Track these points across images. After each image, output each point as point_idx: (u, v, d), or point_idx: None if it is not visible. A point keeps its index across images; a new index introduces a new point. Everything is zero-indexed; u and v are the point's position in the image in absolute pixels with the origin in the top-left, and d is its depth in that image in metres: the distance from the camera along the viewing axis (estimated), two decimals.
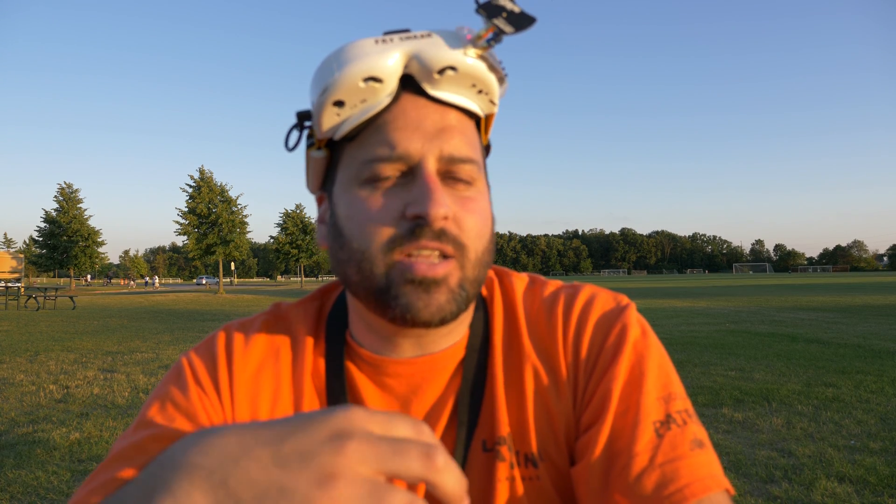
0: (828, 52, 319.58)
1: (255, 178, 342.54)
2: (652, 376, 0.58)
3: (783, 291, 25.48)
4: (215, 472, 0.33)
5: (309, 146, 0.61)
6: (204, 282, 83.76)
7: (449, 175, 0.56)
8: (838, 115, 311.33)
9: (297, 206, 50.52)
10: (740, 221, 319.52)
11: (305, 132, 0.62)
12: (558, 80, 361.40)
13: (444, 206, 0.53)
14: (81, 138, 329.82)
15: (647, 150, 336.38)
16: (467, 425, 0.61)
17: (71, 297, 22.46)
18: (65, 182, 50.97)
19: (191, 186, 39.72)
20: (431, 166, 0.54)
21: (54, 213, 48.90)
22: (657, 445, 0.54)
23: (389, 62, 0.53)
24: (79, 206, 50.58)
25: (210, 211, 39.31)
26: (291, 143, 0.61)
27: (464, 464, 0.60)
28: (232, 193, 47.79)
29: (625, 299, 0.64)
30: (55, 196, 49.87)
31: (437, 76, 0.54)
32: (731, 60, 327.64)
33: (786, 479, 3.19)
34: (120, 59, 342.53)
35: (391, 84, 0.54)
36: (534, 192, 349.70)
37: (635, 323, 0.62)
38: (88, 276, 54.83)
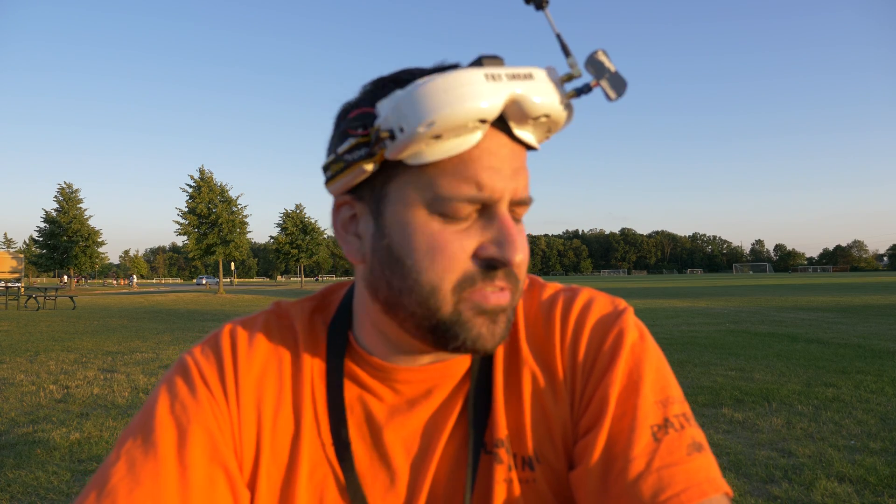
0: (828, 51, 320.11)
1: (255, 178, 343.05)
2: (649, 380, 0.58)
3: (783, 291, 25.48)
4: None
5: (361, 157, 0.54)
6: (204, 282, 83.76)
7: (512, 213, 0.56)
8: (839, 114, 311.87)
9: (297, 206, 50.50)
10: (740, 221, 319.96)
11: (350, 140, 0.55)
12: None
13: (522, 251, 0.54)
14: (81, 138, 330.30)
15: (648, 150, 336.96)
16: (476, 428, 0.61)
17: (71, 297, 22.45)
18: (65, 182, 50.93)
19: (191, 186, 39.72)
20: (505, 208, 0.55)
21: (54, 213, 48.84)
22: (654, 450, 0.54)
23: (499, 106, 0.50)
24: (79, 206, 50.49)
25: (210, 211, 39.29)
26: (342, 149, 0.55)
27: (475, 466, 0.60)
28: (232, 193, 47.67)
29: (622, 303, 0.64)
30: (55, 196, 49.79)
31: (531, 121, 0.53)
32: (731, 59, 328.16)
33: (786, 479, 3.19)
34: (120, 58, 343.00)
35: (490, 123, 0.53)
36: (534, 192, 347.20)
37: (633, 326, 0.62)
38: (65, 277, 55.55)
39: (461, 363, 0.63)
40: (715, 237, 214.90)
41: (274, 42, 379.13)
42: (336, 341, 0.65)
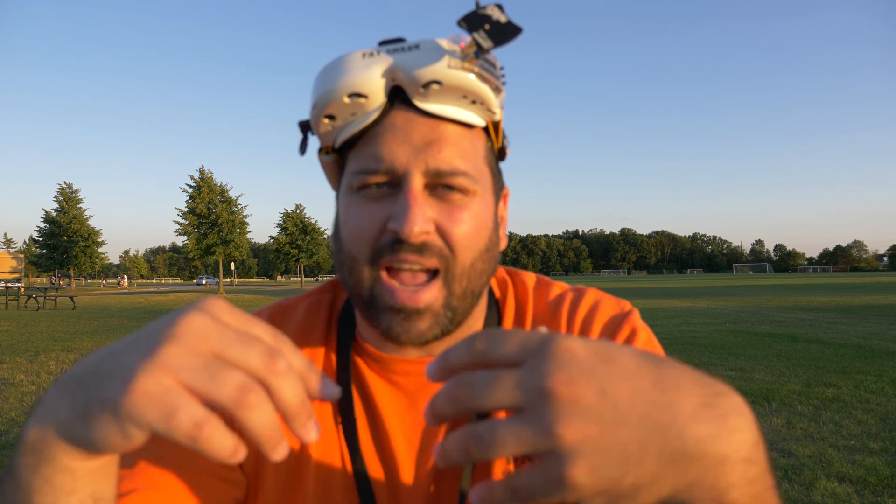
0: (828, 50, 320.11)
1: (255, 178, 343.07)
2: None
3: (783, 291, 25.46)
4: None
5: (320, 150, 0.62)
6: (204, 282, 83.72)
7: (439, 186, 0.56)
8: (839, 114, 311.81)
9: (297, 207, 50.56)
10: (740, 221, 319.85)
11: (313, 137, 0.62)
12: (558, 77, 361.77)
13: (419, 222, 0.53)
14: (81, 138, 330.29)
15: (648, 150, 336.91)
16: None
17: (71, 297, 22.45)
18: (65, 182, 51.18)
19: (191, 186, 39.79)
20: (416, 180, 0.54)
21: (54, 214, 48.99)
22: None
23: (372, 78, 0.53)
24: (79, 206, 50.66)
25: (210, 211, 39.36)
26: (303, 147, 0.62)
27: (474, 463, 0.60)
28: (232, 193, 47.62)
29: (628, 305, 0.66)
30: (55, 196, 50.05)
31: (422, 90, 0.53)
32: (730, 58, 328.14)
33: (786, 479, 3.19)
34: (120, 58, 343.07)
35: (377, 98, 0.54)
36: (534, 192, 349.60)
37: (643, 327, 0.64)
38: (59, 280, 58.16)
39: None
40: (715, 237, 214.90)
41: (275, 41, 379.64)
42: (345, 333, 0.66)
